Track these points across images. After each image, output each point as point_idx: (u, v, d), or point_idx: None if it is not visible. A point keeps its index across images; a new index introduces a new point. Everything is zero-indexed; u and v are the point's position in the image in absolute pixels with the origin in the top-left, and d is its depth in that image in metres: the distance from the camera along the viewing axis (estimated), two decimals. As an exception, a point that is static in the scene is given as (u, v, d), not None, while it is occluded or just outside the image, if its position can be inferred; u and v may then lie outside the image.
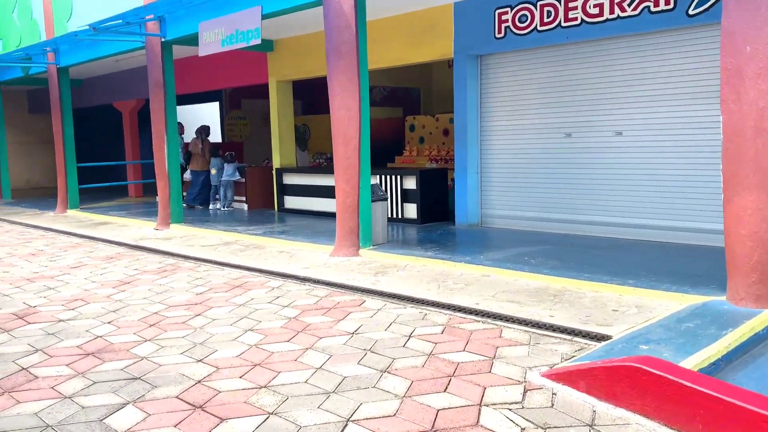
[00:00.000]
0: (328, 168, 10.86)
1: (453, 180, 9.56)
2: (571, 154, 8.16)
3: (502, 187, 8.96)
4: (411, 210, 9.66)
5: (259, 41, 8.29)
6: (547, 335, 4.31)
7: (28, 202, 15.73)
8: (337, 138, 7.30)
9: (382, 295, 5.56)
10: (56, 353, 4.21)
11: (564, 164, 8.23)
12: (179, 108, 17.17)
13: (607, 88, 7.76)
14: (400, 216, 9.78)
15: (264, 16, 8.26)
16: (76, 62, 12.43)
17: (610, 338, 4.13)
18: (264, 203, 12.32)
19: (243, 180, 12.28)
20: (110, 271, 7.03)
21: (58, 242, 9.33)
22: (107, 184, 15.70)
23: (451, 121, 12.52)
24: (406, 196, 9.71)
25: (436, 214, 9.69)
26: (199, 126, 13.03)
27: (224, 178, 12.19)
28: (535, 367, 3.75)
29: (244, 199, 12.37)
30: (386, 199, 7.94)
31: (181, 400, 3.40)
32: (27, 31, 13.94)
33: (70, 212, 13.21)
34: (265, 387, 3.55)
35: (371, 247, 7.48)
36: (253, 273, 6.68)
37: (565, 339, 4.22)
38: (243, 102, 16.76)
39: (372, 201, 7.58)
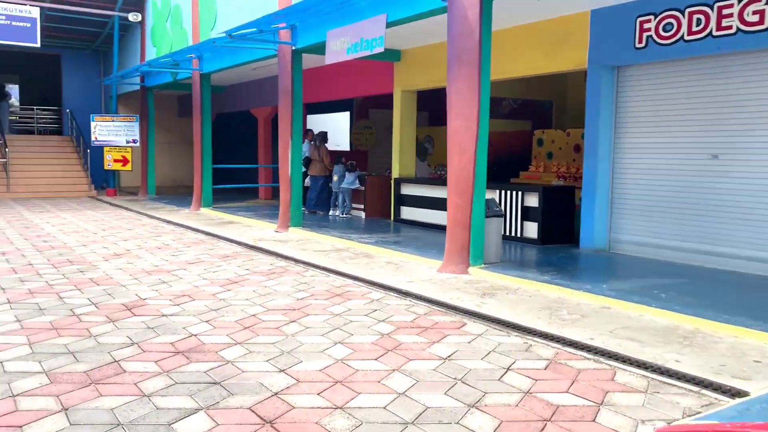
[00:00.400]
0: (445, 180, 10.57)
1: (581, 199, 8.90)
2: (717, 177, 7.26)
3: (635, 210, 8.18)
4: (531, 229, 9.11)
5: (382, 49, 8.20)
6: (669, 383, 3.72)
7: (169, 199, 16.83)
8: (452, 149, 7.00)
9: (485, 319, 5.16)
10: (149, 348, 4.25)
11: (709, 189, 7.34)
12: (313, 116, 17.74)
13: (763, 105, 6.83)
14: (518, 235, 9.26)
15: (389, 24, 8.17)
16: (216, 69, 13.11)
17: (748, 395, 3.48)
18: (381, 212, 12.25)
19: (362, 188, 12.29)
20: (223, 270, 7.18)
21: (184, 238, 9.78)
22: (238, 185, 16.46)
23: (584, 136, 11.79)
24: (527, 213, 9.17)
25: (558, 235, 9.06)
26: (317, 132, 13.28)
27: (344, 185, 12.28)
28: (650, 420, 3.21)
29: (362, 207, 12.38)
30: (502, 216, 7.50)
31: (253, 412, 3.24)
32: (177, 39, 14.96)
33: (203, 210, 13.92)
34: (341, 408, 3.31)
35: (482, 265, 7.08)
36: (357, 282, 6.53)
37: (690, 390, 3.61)
38: (370, 111, 16.91)
39: (486, 216, 7.19)
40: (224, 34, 10.21)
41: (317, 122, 17.67)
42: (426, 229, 10.59)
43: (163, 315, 5.14)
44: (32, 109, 22.81)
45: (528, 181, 11.36)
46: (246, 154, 19.71)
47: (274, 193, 17.30)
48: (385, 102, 14.14)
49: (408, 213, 11.36)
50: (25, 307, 5.29)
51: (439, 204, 10.48)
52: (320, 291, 6.11)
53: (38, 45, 16.34)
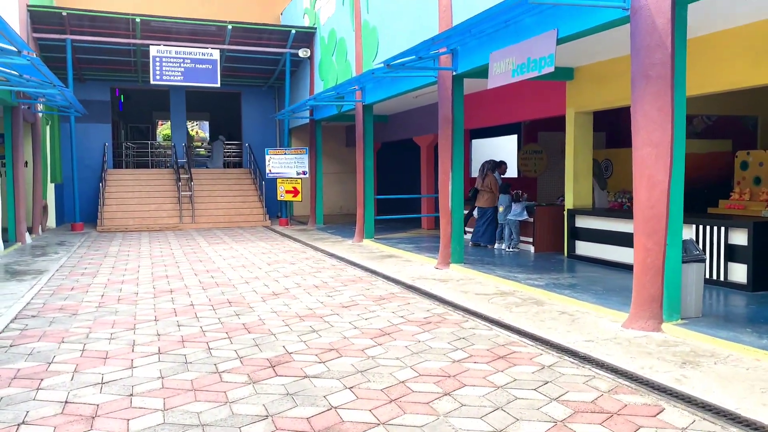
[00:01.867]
0: (629, 211, 9.27)
1: (803, 236, 7.24)
2: None
3: None
4: (738, 272, 7.57)
5: (552, 69, 7.28)
6: None
7: (335, 229, 16.99)
8: (639, 180, 5.90)
9: (689, 401, 4.06)
10: (282, 425, 3.77)
11: None
12: (477, 141, 17.04)
13: None
14: (721, 278, 7.74)
15: (560, 41, 7.25)
16: (377, 99, 12.93)
17: None
18: (552, 246, 11.15)
19: (531, 220, 11.30)
20: (377, 316, 6.68)
21: (343, 275, 9.51)
22: (401, 216, 16.20)
23: (802, 157, 9.88)
24: (732, 253, 7.65)
25: (775, 280, 7.44)
26: (486, 160, 12.53)
27: (510, 217, 11.37)
28: None
29: (530, 240, 11.36)
30: (703, 260, 6.20)
31: None
32: (342, 72, 15.11)
33: (366, 242, 13.74)
34: None
35: (678, 321, 5.85)
36: (524, 339, 5.65)
37: None
38: (540, 135, 15.83)
39: (683, 262, 5.96)
40: (383, 64, 9.89)
41: (481, 148, 16.95)
42: (606, 267, 9.35)
43: (306, 376, 4.69)
44: (217, 144, 24.67)
45: (731, 212, 9.68)
46: (413, 181, 19.54)
47: (437, 223, 16.82)
48: (556, 123, 13.07)
49: (584, 248, 10.17)
50: (173, 360, 5.13)
51: (623, 239, 9.22)
52: (480, 350, 5.33)
53: (218, 85, 17.45)
